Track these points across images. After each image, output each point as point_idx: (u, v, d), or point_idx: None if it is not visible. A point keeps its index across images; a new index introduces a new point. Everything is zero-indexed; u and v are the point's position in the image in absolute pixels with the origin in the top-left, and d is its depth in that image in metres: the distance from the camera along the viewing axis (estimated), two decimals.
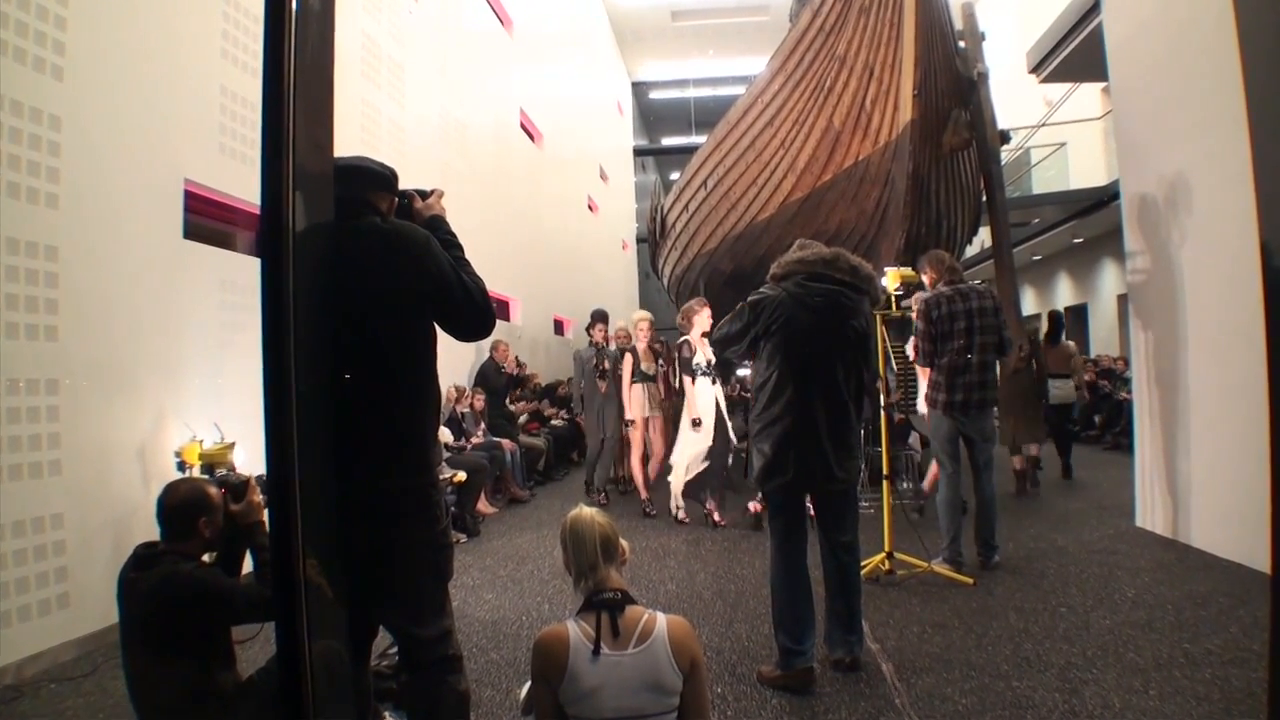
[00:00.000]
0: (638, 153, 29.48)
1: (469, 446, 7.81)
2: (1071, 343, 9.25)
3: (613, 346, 8.42)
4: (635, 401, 7.55)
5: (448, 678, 2.28)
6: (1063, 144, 15.72)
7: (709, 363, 6.74)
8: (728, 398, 13.86)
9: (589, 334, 8.62)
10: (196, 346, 5.10)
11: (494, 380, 9.14)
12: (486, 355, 9.48)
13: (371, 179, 2.34)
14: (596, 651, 2.07)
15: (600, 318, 8.73)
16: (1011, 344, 5.27)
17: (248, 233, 6.02)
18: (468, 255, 2.39)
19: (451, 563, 2.41)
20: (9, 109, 3.90)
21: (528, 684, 2.22)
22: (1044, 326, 9.26)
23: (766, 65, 8.50)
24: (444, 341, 2.36)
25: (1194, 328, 5.49)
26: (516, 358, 9.80)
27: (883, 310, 4.80)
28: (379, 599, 2.24)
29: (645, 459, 7.71)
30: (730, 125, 9.27)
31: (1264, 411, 1.68)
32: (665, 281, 14.92)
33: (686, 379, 6.84)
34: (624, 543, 2.31)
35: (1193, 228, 5.47)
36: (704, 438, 6.66)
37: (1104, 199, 13.22)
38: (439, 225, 2.41)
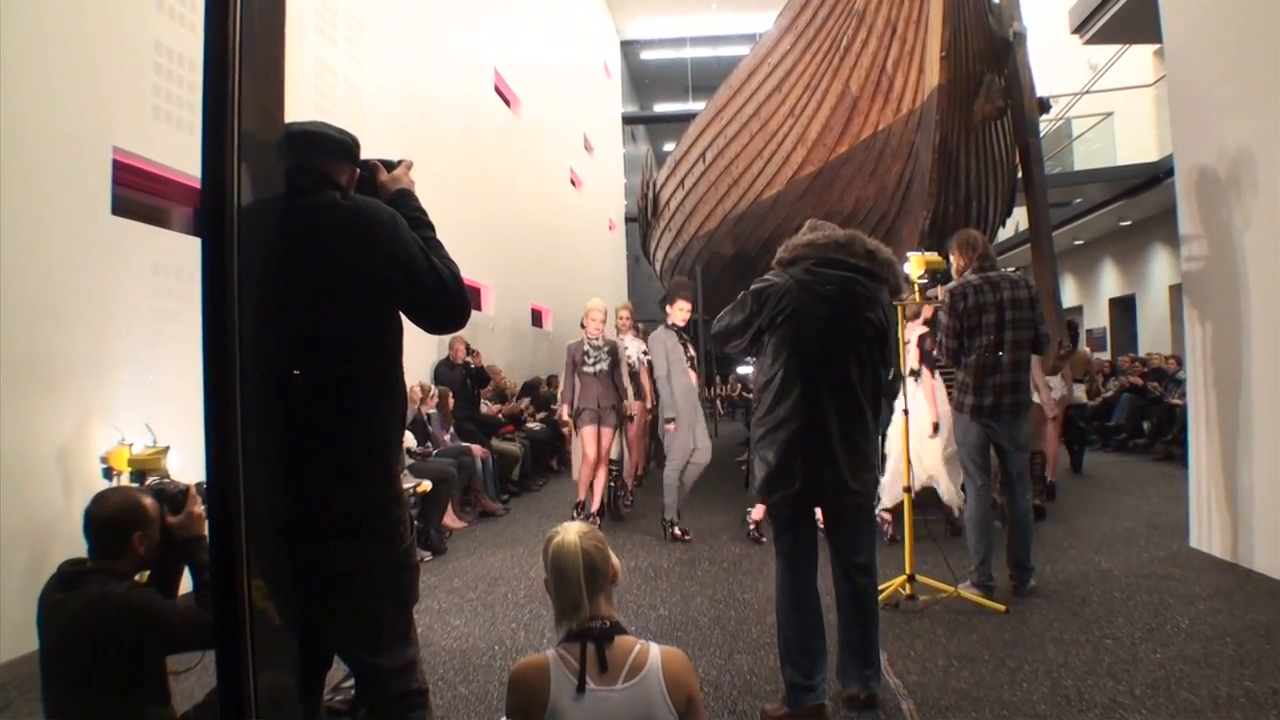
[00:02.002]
0: (627, 121, 29.47)
1: (434, 452, 7.80)
2: (1086, 349, 9.95)
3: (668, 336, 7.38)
4: None
5: (410, 715, 2.28)
6: (1109, 114, 15.79)
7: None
8: (726, 398, 13.81)
9: (664, 311, 7.45)
10: (126, 338, 5.07)
11: (447, 378, 9.14)
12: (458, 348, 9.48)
13: (329, 147, 2.33)
14: (581, 687, 2.07)
15: (683, 291, 7.43)
16: (1049, 340, 5.26)
17: (185, 209, 5.99)
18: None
19: (416, 585, 2.41)
20: None
21: None
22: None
23: (775, 22, 8.51)
24: (408, 334, 2.36)
25: (1258, 323, 5.51)
26: (466, 346, 9.66)
27: (904, 300, 4.80)
28: (333, 625, 2.24)
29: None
30: (733, 90, 9.27)
31: None
32: (657, 266, 14.94)
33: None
34: (615, 560, 2.30)
35: (1258, 209, 5.49)
36: None
37: (1156, 176, 13.29)
38: (407, 201, 2.40)
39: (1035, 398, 6.21)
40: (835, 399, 3.47)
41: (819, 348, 3.48)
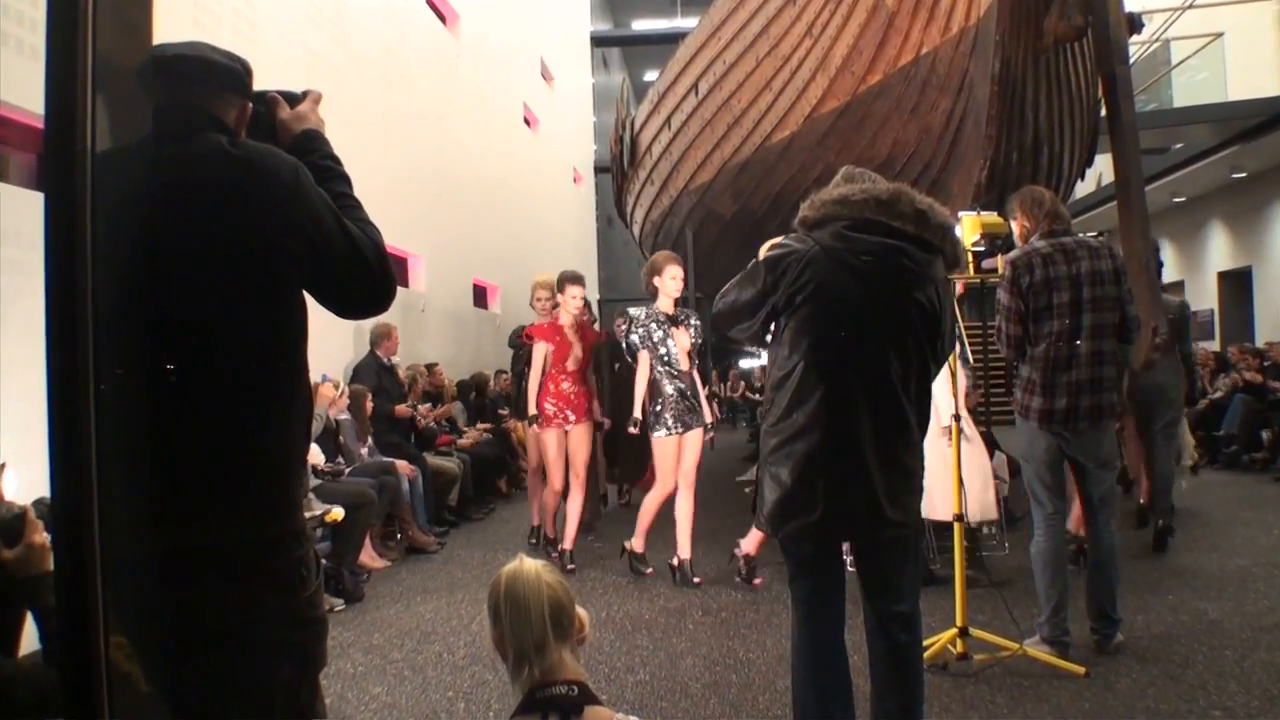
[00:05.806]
0: (596, 42, 29.45)
1: (347, 470, 7.78)
2: (1170, 297, 10.02)
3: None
4: None
5: None
6: (1218, 35, 15.87)
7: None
8: (728, 399, 13.77)
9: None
10: None
11: (370, 382, 9.10)
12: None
13: (212, 76, 2.30)
14: None
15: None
16: (1139, 324, 5.25)
17: (25, 156, 5.95)
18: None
19: (323, 643, 2.41)
20: None
21: None
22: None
23: None
24: (316, 320, 2.35)
25: None
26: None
27: (956, 275, 4.78)
28: (216, 694, 2.24)
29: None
30: (734, 2, 9.29)
31: None
32: (636, 230, 14.96)
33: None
34: (581, 612, 2.31)
35: None
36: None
37: (1278, 115, 13.36)
38: (315, 146, 2.39)
39: None
40: (871, 401, 3.42)
41: (851, 335, 3.43)
